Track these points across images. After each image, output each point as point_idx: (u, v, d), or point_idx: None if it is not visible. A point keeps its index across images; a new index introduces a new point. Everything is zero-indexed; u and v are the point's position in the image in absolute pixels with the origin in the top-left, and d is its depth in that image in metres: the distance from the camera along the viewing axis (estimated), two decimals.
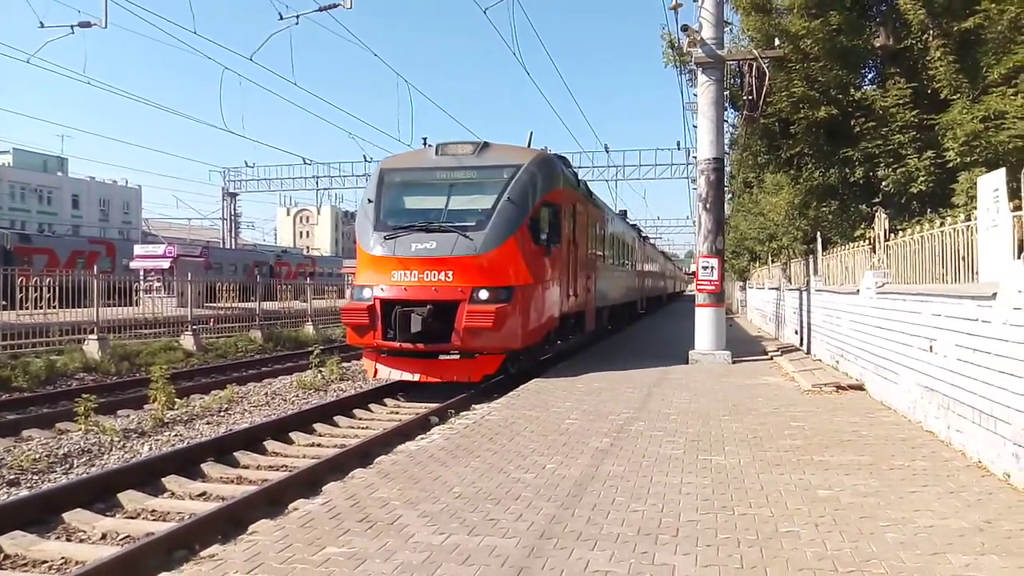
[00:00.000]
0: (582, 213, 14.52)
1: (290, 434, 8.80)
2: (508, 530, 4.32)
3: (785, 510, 4.66)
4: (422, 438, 7.50)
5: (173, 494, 6.63)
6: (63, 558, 5.02)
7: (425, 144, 12.86)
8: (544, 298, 11.62)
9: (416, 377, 10.91)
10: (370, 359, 11.37)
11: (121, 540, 5.37)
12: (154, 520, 5.87)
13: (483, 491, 5.11)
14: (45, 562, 4.99)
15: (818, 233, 14.95)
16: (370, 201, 11.84)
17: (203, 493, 6.60)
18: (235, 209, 53.15)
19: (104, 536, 5.49)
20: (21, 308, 15.71)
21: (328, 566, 3.79)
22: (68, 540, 5.45)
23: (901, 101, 12.19)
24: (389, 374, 11.09)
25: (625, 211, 27.28)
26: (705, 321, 13.52)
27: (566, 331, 13.87)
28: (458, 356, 11.00)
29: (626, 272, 22.95)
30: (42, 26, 19.06)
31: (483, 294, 10.44)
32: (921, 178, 11.82)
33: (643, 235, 32.40)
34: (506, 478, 5.45)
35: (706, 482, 5.33)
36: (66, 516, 5.77)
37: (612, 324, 20.74)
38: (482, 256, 10.62)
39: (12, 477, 7.04)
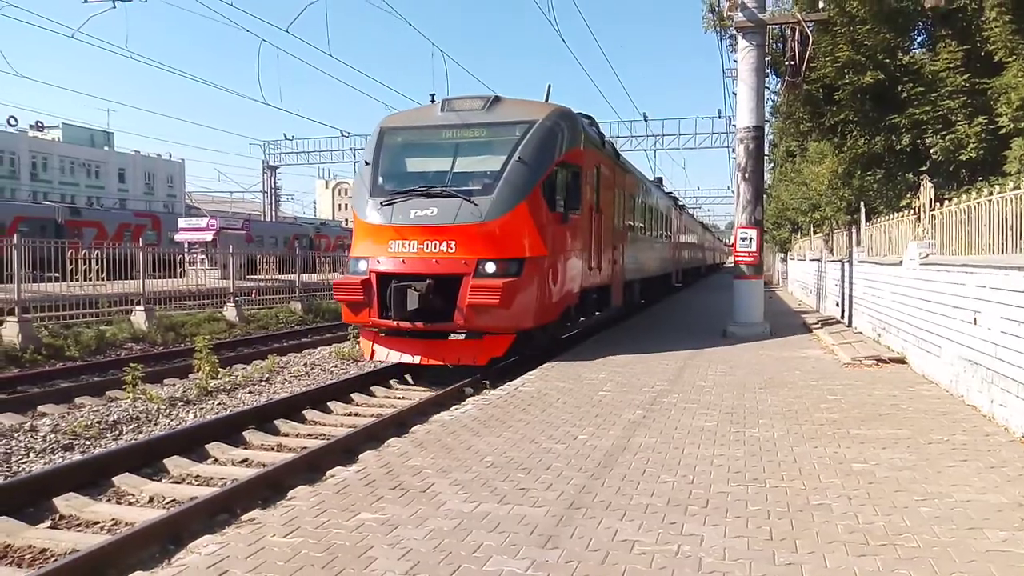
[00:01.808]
0: (608, 177, 13.26)
1: (328, 403, 9.00)
2: (538, 499, 4.37)
3: (818, 483, 4.63)
4: (456, 408, 7.59)
5: (216, 460, 6.86)
6: (113, 519, 5.24)
7: (432, 101, 11.63)
8: (560, 271, 10.44)
9: (416, 359, 9.90)
10: (367, 339, 10.36)
11: (167, 503, 5.59)
12: (198, 485, 6.08)
13: (514, 461, 5.18)
14: (97, 523, 5.22)
15: (862, 203, 14.58)
16: (367, 163, 10.75)
17: (245, 460, 6.81)
18: (275, 182, 53.92)
19: (151, 499, 5.71)
20: (72, 280, 16.23)
21: (362, 531, 3.90)
22: (118, 503, 5.69)
23: (952, 64, 11.76)
24: (387, 355, 10.11)
25: (660, 178, 26.26)
26: (743, 293, 13.35)
27: (588, 307, 12.70)
28: (464, 336, 10.07)
29: (660, 243, 21.93)
30: (85, 1, 19.40)
31: (489, 267, 9.39)
32: (971, 145, 11.43)
33: (680, 204, 31.15)
34: (537, 448, 5.51)
35: (738, 454, 5.31)
36: (116, 480, 6.01)
37: (645, 298, 19.96)
38: (488, 224, 9.50)
39: (66, 442, 7.34)
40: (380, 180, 10.47)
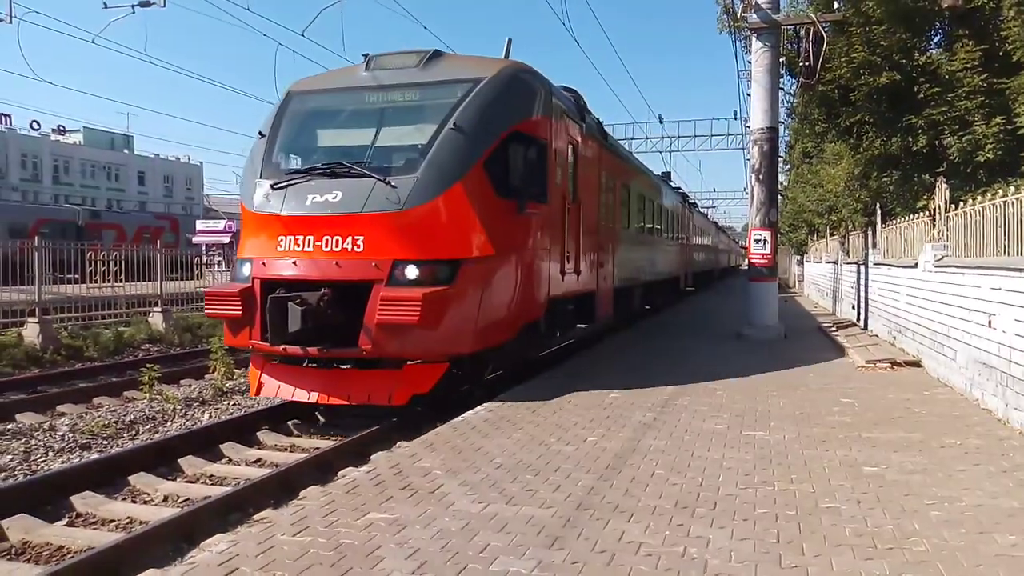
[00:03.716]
0: (590, 160, 10.83)
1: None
2: (546, 500, 4.39)
3: (827, 486, 4.62)
4: (467, 410, 7.61)
5: (230, 460, 6.93)
6: (128, 518, 5.32)
7: (365, 60, 8.92)
8: (515, 276, 8.05)
9: (313, 397, 7.42)
10: (255, 367, 7.90)
11: (181, 502, 5.67)
12: (212, 484, 6.16)
13: (523, 462, 5.20)
14: (112, 521, 5.31)
15: (877, 205, 14.48)
16: (261, 135, 8.44)
17: (258, 460, 6.87)
18: None
19: (166, 498, 5.79)
20: (91, 281, 16.48)
21: (371, 531, 3.94)
22: (133, 501, 5.78)
23: (969, 65, 11.63)
24: (277, 390, 7.61)
25: (668, 173, 24.73)
26: (757, 295, 13.29)
27: (563, 320, 10.25)
28: (377, 366, 7.69)
29: (666, 243, 19.89)
30: (105, 7, 19.70)
31: (410, 271, 7.09)
32: (989, 146, 11.31)
33: (691, 202, 29.02)
34: (546, 450, 5.52)
35: (748, 457, 5.30)
36: (131, 479, 6.10)
37: (649, 304, 18.21)
38: (409, 213, 7.18)
39: (84, 441, 7.46)
40: (275, 157, 8.22)
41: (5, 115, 57.36)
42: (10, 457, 6.84)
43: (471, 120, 7.62)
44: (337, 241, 7.26)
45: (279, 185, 7.69)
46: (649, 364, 9.88)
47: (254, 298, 7.43)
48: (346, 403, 7.45)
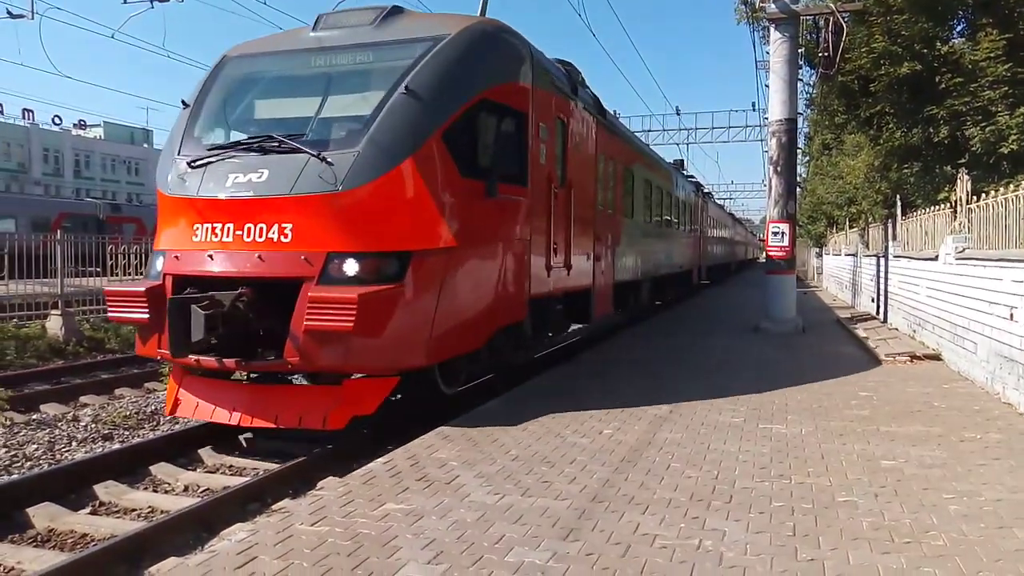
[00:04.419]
0: (585, 139, 9.61)
1: None
2: (561, 492, 4.41)
3: (844, 480, 4.59)
4: (483, 402, 7.64)
5: (249, 451, 7.00)
6: (150, 507, 5.41)
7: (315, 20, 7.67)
8: (483, 272, 6.89)
9: (235, 419, 6.18)
10: (174, 381, 6.70)
11: (201, 492, 5.74)
12: (231, 475, 6.22)
13: (539, 454, 5.22)
14: (134, 510, 5.39)
15: (898, 197, 14.33)
16: (185, 105, 7.23)
17: (277, 450, 6.93)
18: None
19: (186, 488, 5.87)
20: (112, 274, 16.67)
21: (387, 521, 3.98)
22: (155, 491, 5.86)
23: (993, 54, 11.46)
24: (195, 409, 6.40)
25: (681, 161, 23.82)
26: (775, 288, 13.20)
27: (552, 320, 9.06)
28: (312, 381, 6.92)
29: (677, 234, 18.74)
30: (125, 2, 19.85)
31: (348, 266, 5.88)
32: (1013, 137, 11.16)
33: (705, 192, 27.82)
34: (562, 442, 5.54)
35: (764, 450, 5.28)
36: (153, 469, 6.19)
37: (659, 299, 17.43)
38: (348, 195, 5.93)
39: (107, 432, 7.58)
40: (197, 130, 6.98)
41: (28, 110, 58.16)
42: (35, 447, 6.96)
43: (428, 84, 6.34)
44: (261, 230, 6.04)
45: (197, 163, 6.47)
46: (661, 359, 9.85)
47: (164, 299, 6.16)
48: (273, 426, 6.17)
